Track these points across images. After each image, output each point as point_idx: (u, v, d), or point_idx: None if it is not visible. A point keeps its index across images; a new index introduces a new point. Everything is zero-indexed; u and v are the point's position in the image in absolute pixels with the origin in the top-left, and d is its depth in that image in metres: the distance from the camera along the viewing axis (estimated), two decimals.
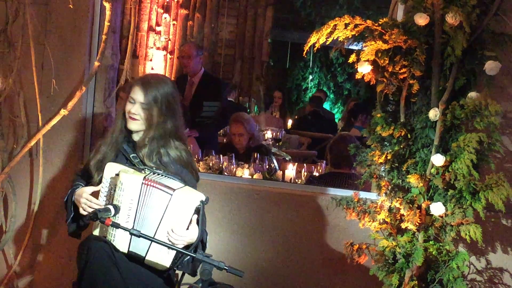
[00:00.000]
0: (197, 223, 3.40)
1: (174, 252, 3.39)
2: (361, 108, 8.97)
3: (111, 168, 3.45)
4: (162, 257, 3.40)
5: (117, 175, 3.39)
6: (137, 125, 3.59)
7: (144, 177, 3.37)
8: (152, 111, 3.54)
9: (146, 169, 3.49)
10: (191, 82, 6.58)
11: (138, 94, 3.55)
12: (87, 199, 3.47)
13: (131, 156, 3.59)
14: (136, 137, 3.66)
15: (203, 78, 6.68)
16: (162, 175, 3.46)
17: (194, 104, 6.40)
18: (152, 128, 3.57)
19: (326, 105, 14.01)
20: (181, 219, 3.37)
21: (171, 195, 3.35)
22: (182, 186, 3.45)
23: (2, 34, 4.52)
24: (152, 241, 3.23)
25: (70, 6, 4.47)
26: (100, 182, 3.52)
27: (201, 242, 3.52)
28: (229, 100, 8.97)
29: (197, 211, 3.39)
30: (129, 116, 3.58)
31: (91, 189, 3.54)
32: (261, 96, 10.07)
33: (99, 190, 3.50)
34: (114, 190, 3.38)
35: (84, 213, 3.48)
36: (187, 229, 3.38)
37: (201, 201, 3.38)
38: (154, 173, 3.46)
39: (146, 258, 3.40)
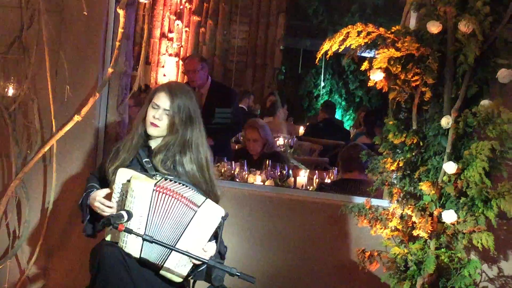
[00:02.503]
0: (216, 239, 3.47)
1: (191, 266, 3.42)
2: (376, 117, 8.95)
3: (123, 174, 3.47)
4: (178, 270, 3.42)
5: (129, 181, 3.41)
6: (157, 131, 3.62)
7: (155, 184, 3.38)
8: (174, 118, 3.57)
9: (158, 175, 3.51)
10: (199, 94, 6.57)
11: (163, 101, 3.58)
12: (100, 202, 3.50)
13: (143, 161, 3.61)
14: (153, 143, 3.68)
15: (211, 88, 6.67)
16: (173, 181, 3.48)
17: (205, 114, 6.39)
18: (172, 135, 3.59)
19: (338, 112, 14.01)
20: (201, 237, 3.40)
21: (195, 211, 3.37)
22: (203, 201, 3.46)
23: (17, 41, 4.56)
24: (165, 247, 3.26)
25: (85, 13, 4.50)
26: None
27: (220, 254, 3.58)
28: (241, 107, 8.98)
29: (217, 227, 3.44)
30: (151, 121, 3.60)
31: (104, 192, 3.56)
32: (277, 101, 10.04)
33: (112, 195, 3.52)
34: (126, 196, 3.39)
35: (103, 214, 3.51)
36: (204, 246, 3.42)
37: (222, 217, 3.43)
38: (166, 180, 3.47)
39: (162, 269, 3.42)
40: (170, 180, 3.48)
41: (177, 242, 3.38)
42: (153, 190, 3.36)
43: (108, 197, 3.52)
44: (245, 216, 4.55)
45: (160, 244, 3.20)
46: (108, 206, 3.48)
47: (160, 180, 3.45)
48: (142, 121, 3.67)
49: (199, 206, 3.39)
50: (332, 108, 10.59)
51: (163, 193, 3.36)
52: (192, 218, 3.37)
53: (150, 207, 3.36)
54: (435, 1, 3.61)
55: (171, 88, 3.65)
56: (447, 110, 3.65)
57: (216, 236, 3.47)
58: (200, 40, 11.00)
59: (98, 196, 3.52)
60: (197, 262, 3.37)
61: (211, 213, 3.41)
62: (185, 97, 3.62)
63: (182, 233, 3.38)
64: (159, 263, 3.40)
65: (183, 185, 3.51)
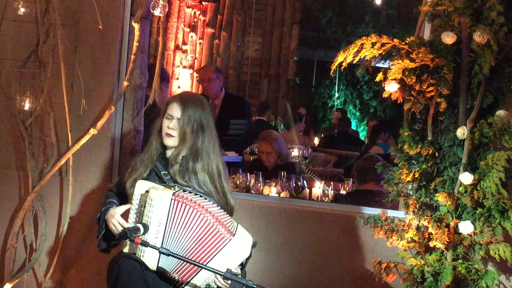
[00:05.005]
0: (242, 267, 3.48)
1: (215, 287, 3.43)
2: (384, 126, 8.98)
3: (141, 186, 3.49)
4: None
5: (147, 191, 3.43)
6: (172, 141, 3.64)
7: (174, 193, 3.39)
8: (186, 127, 3.59)
9: (176, 186, 3.53)
10: (213, 105, 6.60)
11: (175, 110, 3.61)
12: (117, 221, 3.53)
13: (162, 173, 3.63)
14: (169, 154, 3.70)
15: (225, 99, 6.71)
16: (193, 193, 3.49)
17: (219, 125, 6.40)
18: (185, 145, 3.61)
19: (353, 123, 14.00)
20: (230, 265, 3.37)
21: (230, 239, 3.37)
22: (236, 227, 3.48)
23: (33, 55, 4.60)
24: (180, 259, 3.26)
25: (100, 27, 4.53)
26: None
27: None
28: (262, 119, 9.01)
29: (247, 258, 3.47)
30: (166, 132, 3.63)
31: (123, 209, 3.59)
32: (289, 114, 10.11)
33: (130, 210, 3.54)
34: (144, 207, 3.41)
35: (114, 232, 3.53)
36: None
37: (251, 246, 3.47)
38: (185, 191, 3.49)
39: (189, 284, 3.42)
40: (190, 192, 3.49)
41: (208, 262, 3.36)
42: (172, 199, 3.37)
43: (127, 213, 3.54)
44: (260, 228, 4.54)
45: (176, 257, 3.20)
46: (122, 226, 3.50)
47: (178, 190, 3.47)
48: (157, 133, 3.69)
49: (234, 234, 3.39)
50: (344, 120, 10.62)
51: (182, 202, 3.37)
52: (225, 245, 3.37)
53: (168, 215, 3.37)
54: (450, 12, 3.60)
55: (182, 97, 3.69)
56: (463, 120, 3.64)
57: (242, 265, 3.48)
58: (214, 52, 11.02)
59: (116, 214, 3.55)
60: (221, 285, 3.37)
61: (244, 244, 3.42)
62: (196, 105, 3.64)
63: (213, 256, 3.37)
64: (183, 279, 3.41)
65: (203, 197, 3.52)
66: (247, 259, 3.46)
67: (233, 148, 6.49)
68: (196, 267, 3.33)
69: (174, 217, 3.38)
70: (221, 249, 3.37)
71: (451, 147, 3.69)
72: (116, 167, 4.76)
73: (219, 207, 3.53)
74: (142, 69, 4.81)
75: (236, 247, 3.38)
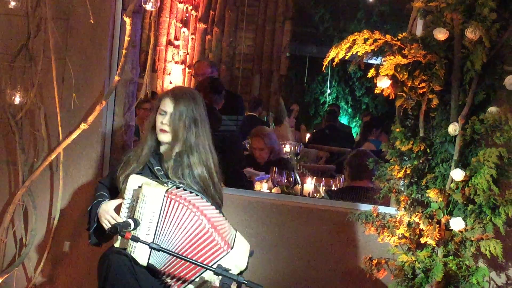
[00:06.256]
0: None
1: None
2: (375, 122, 8.98)
3: (134, 181, 3.48)
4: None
5: (140, 187, 3.41)
6: (167, 137, 3.63)
7: (167, 190, 3.38)
8: (178, 122, 3.57)
9: (169, 183, 3.52)
10: None
11: (167, 105, 3.60)
12: (111, 216, 3.51)
13: (155, 168, 3.62)
14: (163, 149, 3.69)
15: None
16: (185, 190, 3.48)
17: None
18: (178, 140, 3.60)
19: (344, 119, 14.00)
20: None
21: (227, 252, 3.35)
22: (234, 236, 3.47)
23: (24, 49, 4.58)
24: (171, 255, 3.24)
25: (91, 21, 4.51)
26: None
27: None
28: (253, 115, 9.00)
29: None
30: (160, 128, 3.61)
31: (115, 203, 3.57)
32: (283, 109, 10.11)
33: (122, 205, 3.52)
34: (137, 202, 3.39)
35: (106, 228, 3.51)
36: None
37: (249, 256, 3.47)
38: (178, 188, 3.47)
39: (193, 283, 3.40)
40: (184, 190, 3.48)
41: (203, 272, 3.34)
42: (164, 196, 3.36)
43: (119, 207, 3.53)
44: (252, 224, 4.54)
45: (166, 252, 3.18)
46: (116, 221, 3.49)
47: (171, 187, 3.45)
48: (151, 130, 3.68)
49: (232, 247, 3.37)
50: (333, 112, 10.60)
51: (175, 200, 3.36)
52: (222, 257, 3.35)
53: (160, 213, 3.36)
54: (442, 8, 3.61)
55: (174, 92, 3.68)
56: (454, 117, 3.64)
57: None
58: (206, 48, 10.99)
59: (110, 210, 3.53)
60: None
61: (242, 256, 3.41)
62: (189, 100, 3.63)
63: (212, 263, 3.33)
64: (186, 277, 3.39)
65: (199, 196, 3.51)
66: (243, 271, 3.43)
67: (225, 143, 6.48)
68: (191, 271, 3.32)
69: (166, 215, 3.36)
70: (217, 261, 3.33)
71: (443, 143, 3.69)
72: (107, 162, 4.74)
73: (216, 209, 3.52)
74: (134, 64, 4.80)
75: (233, 261, 3.35)
